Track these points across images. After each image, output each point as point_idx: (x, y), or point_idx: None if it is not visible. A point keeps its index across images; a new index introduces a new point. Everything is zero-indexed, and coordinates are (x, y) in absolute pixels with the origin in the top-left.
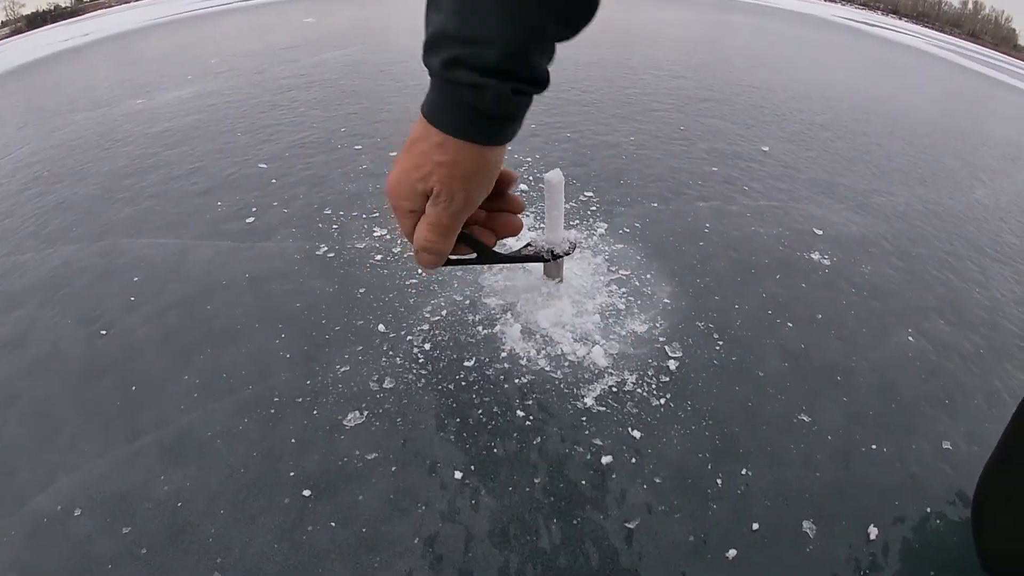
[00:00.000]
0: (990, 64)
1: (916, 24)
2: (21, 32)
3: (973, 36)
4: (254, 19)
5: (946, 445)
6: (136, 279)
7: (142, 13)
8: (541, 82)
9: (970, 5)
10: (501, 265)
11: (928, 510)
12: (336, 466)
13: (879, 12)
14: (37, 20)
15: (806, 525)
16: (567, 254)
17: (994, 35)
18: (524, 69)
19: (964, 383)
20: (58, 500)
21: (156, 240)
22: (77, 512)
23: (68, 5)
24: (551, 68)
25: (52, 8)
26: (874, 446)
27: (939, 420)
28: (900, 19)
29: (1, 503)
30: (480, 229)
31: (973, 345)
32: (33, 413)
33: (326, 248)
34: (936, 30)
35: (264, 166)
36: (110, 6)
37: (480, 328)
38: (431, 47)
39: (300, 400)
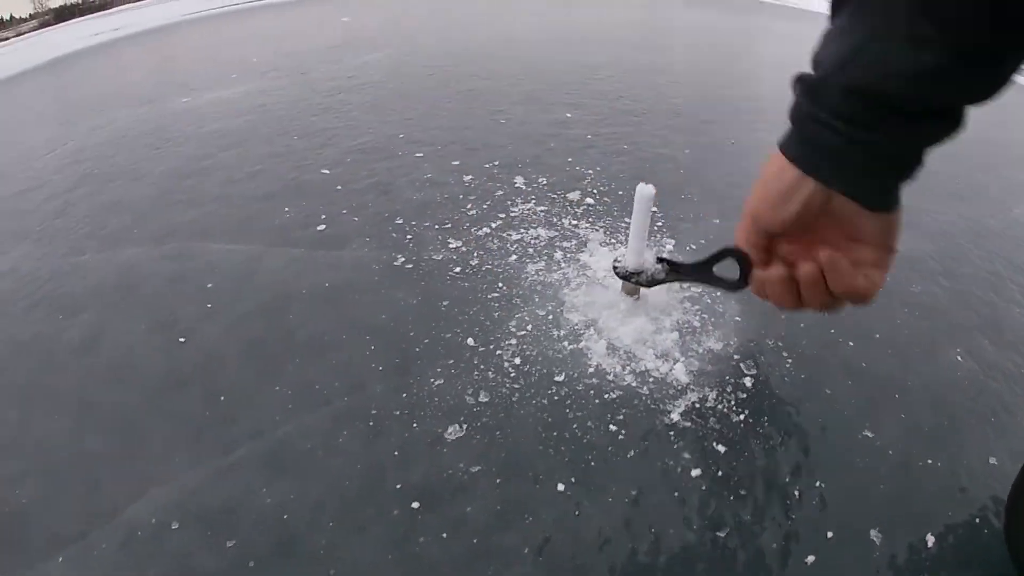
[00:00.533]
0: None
1: None
2: (49, 25)
3: None
4: (287, 17)
5: (992, 461)
6: (210, 285)
7: (171, 8)
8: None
9: None
10: (578, 282)
11: (977, 520)
12: (441, 479)
13: None
14: (65, 13)
15: (872, 533)
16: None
17: None
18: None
19: (1008, 402)
20: (152, 512)
21: (225, 245)
22: (175, 525)
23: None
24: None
25: (80, 2)
26: (929, 460)
27: (986, 436)
28: None
29: (89, 514)
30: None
31: (1015, 365)
32: (115, 422)
33: (403, 259)
34: None
35: (327, 172)
36: (139, 0)
37: (566, 343)
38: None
39: (398, 413)
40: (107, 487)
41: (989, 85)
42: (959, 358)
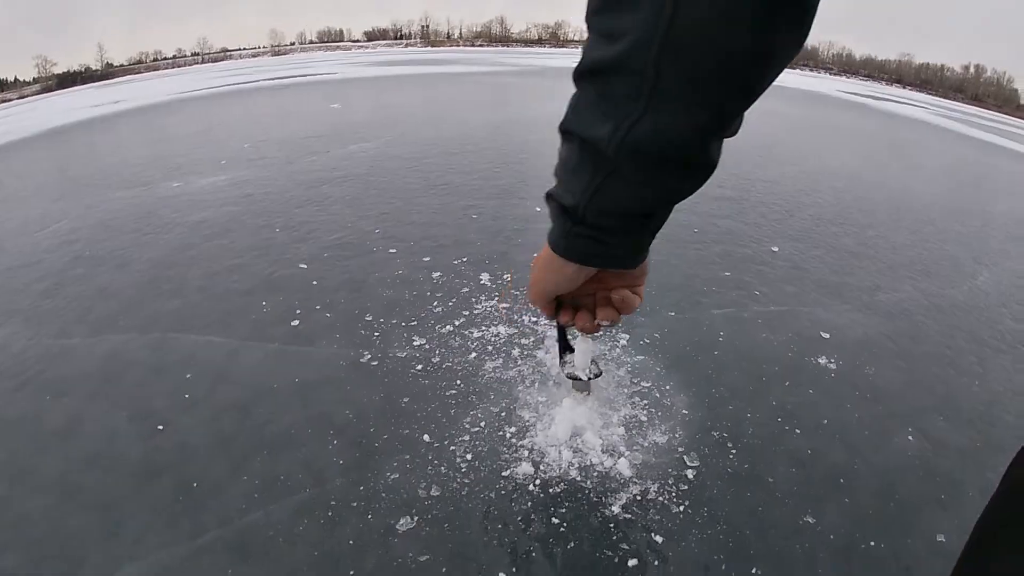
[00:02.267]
0: (994, 130)
1: (920, 92)
2: (51, 91)
3: (976, 100)
4: (279, 101)
5: (940, 539)
6: (188, 376)
7: (170, 84)
8: None
9: (972, 69)
10: (532, 379)
11: None
12: (392, 567)
13: (883, 83)
14: (67, 80)
15: None
16: (596, 376)
17: (996, 97)
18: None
19: (959, 479)
20: None
21: (205, 337)
22: None
23: (98, 68)
24: None
25: (83, 70)
26: (872, 543)
27: (934, 516)
28: (904, 87)
29: None
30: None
31: (970, 440)
32: (94, 503)
33: (369, 356)
34: (940, 96)
35: (304, 267)
36: (138, 72)
37: (515, 440)
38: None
39: (355, 505)
40: (83, 564)
41: (703, 182)
42: (910, 439)
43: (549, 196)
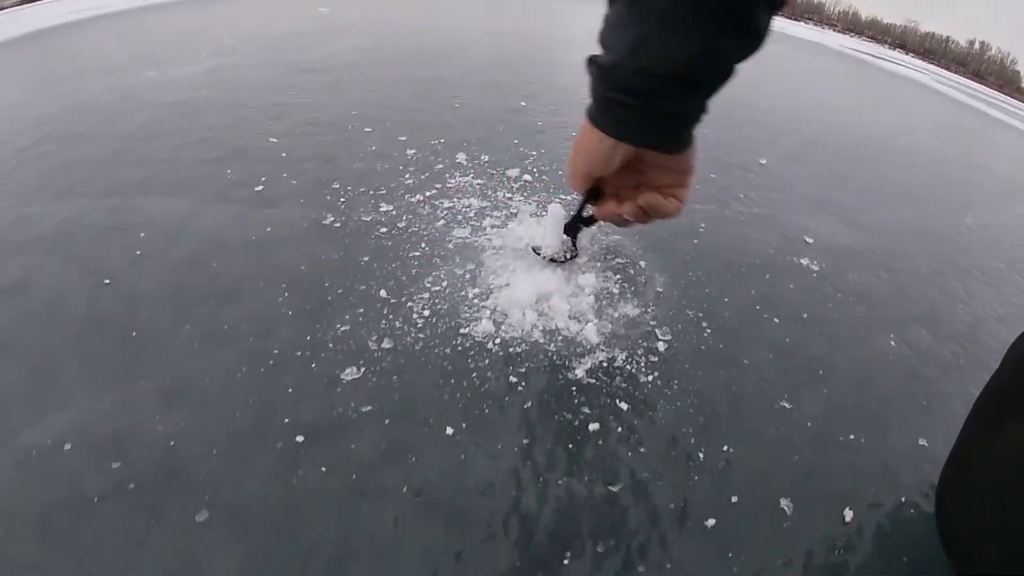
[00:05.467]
0: (992, 104)
1: (922, 60)
2: (31, 1)
3: (978, 76)
4: (266, 4)
5: (922, 442)
6: (142, 235)
7: None
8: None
9: (976, 45)
10: (502, 245)
11: (902, 499)
12: (331, 416)
13: (887, 46)
14: None
15: (783, 502)
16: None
17: (999, 76)
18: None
19: (942, 389)
20: (48, 435)
21: (165, 200)
22: (67, 446)
23: None
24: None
25: None
26: (851, 436)
27: (916, 419)
28: (907, 54)
29: None
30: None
31: (953, 355)
32: (30, 357)
33: (333, 218)
34: (942, 67)
35: (275, 140)
36: None
37: (478, 301)
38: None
39: (299, 354)
40: (12, 416)
41: (748, 51)
42: (892, 343)
43: (590, 61)
